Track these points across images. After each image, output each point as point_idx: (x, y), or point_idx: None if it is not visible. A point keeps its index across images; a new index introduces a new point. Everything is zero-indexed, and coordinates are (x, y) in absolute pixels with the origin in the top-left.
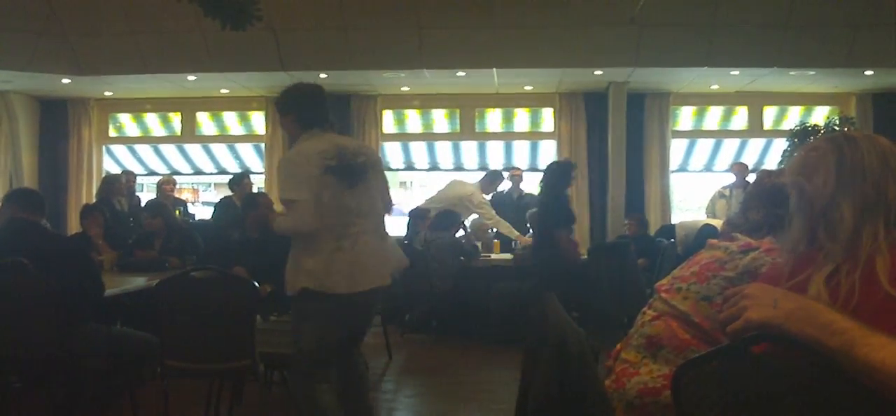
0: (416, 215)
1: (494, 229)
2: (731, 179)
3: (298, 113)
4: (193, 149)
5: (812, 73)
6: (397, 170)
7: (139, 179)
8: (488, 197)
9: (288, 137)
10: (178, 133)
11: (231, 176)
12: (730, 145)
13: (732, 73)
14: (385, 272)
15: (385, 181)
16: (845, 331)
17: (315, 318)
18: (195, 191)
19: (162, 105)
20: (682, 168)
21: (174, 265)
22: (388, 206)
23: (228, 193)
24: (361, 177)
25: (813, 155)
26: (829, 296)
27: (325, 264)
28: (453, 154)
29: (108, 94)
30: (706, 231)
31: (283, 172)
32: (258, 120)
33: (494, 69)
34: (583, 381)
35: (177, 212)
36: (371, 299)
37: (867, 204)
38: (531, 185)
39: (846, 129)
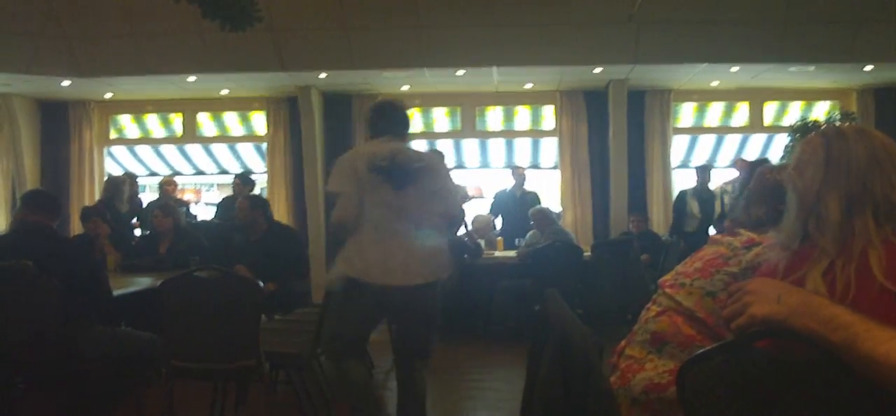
0: None
1: (496, 228)
2: (733, 174)
3: (371, 122)
4: (194, 150)
5: (812, 68)
6: None
7: (140, 181)
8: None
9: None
10: (179, 134)
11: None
12: (731, 141)
13: (733, 69)
14: (420, 272)
15: (446, 187)
16: (849, 325)
17: (346, 302)
18: (197, 191)
19: (163, 106)
20: (684, 164)
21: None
22: (449, 209)
23: (230, 193)
24: (411, 180)
25: (807, 149)
26: (827, 291)
27: (363, 255)
28: (454, 153)
29: (108, 96)
30: (676, 202)
31: (333, 168)
32: (259, 120)
33: (494, 67)
34: (587, 378)
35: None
36: (406, 297)
37: (852, 197)
38: (533, 183)
39: (846, 124)
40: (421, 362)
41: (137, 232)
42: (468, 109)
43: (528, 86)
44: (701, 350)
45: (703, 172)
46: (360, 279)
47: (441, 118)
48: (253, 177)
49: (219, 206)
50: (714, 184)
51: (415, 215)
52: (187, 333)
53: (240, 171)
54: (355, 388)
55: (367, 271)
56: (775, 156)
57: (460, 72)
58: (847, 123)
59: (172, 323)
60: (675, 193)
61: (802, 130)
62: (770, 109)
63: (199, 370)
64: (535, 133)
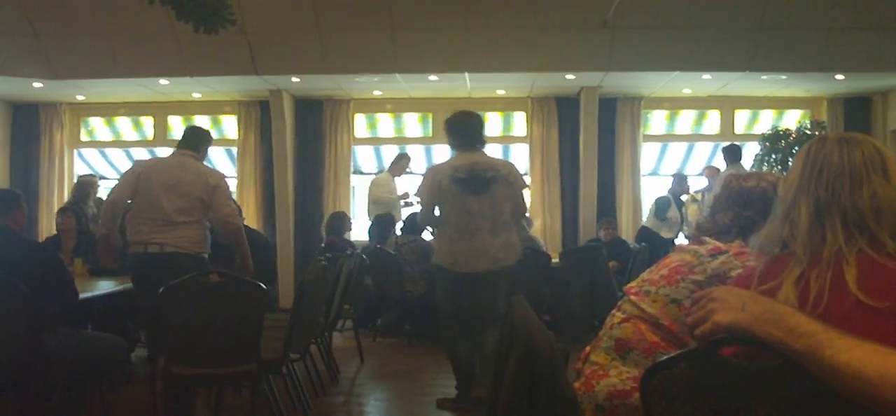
0: (379, 222)
1: None
2: (702, 183)
3: (453, 136)
4: (165, 153)
5: (784, 77)
6: (369, 174)
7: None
8: (400, 178)
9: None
10: (150, 138)
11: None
12: (702, 149)
13: (704, 77)
14: (494, 262)
15: (517, 191)
16: (811, 334)
17: (441, 287)
18: None
19: (134, 109)
20: (654, 172)
21: None
22: (516, 210)
23: None
24: (486, 187)
25: (797, 156)
26: (798, 298)
27: (448, 249)
28: (426, 158)
29: (79, 98)
30: (661, 201)
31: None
32: (230, 124)
33: (467, 73)
34: (552, 383)
35: None
36: (483, 279)
37: (820, 204)
38: None
39: (817, 133)
40: (491, 328)
41: None
42: (440, 114)
43: (501, 92)
44: (665, 357)
45: (680, 180)
46: (447, 268)
47: (412, 123)
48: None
49: None
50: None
51: (487, 216)
52: (189, 339)
53: None
54: (459, 362)
55: (453, 263)
56: (746, 164)
57: (433, 77)
58: (840, 132)
59: (174, 329)
60: (646, 200)
61: (773, 139)
62: (741, 118)
63: (201, 376)
64: (507, 139)
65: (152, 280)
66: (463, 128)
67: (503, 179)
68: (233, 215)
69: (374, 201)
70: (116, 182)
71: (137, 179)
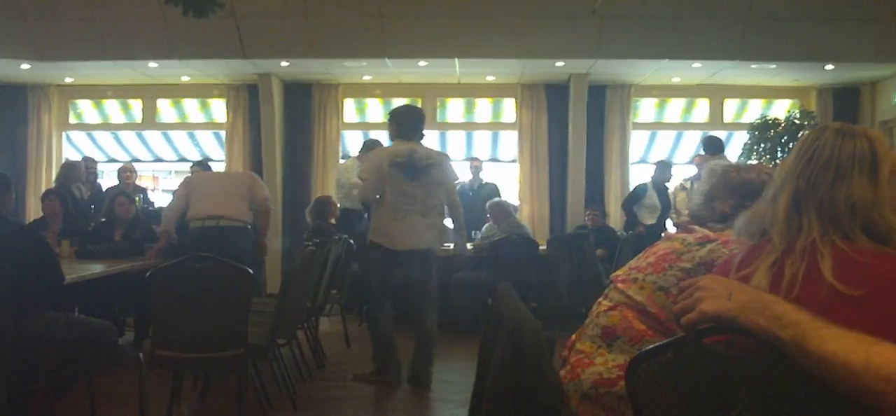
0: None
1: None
2: (691, 171)
3: (395, 125)
4: (153, 136)
5: (773, 66)
6: None
7: (99, 167)
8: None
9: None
10: (139, 120)
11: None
12: (691, 138)
13: (694, 65)
14: (422, 240)
15: (449, 182)
16: (797, 323)
17: (375, 263)
18: (155, 178)
19: (122, 92)
20: (643, 160)
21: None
22: (452, 203)
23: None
24: (422, 174)
25: (797, 142)
26: (770, 284)
27: (384, 227)
28: None
29: (68, 80)
30: (638, 188)
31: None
32: (219, 107)
33: (456, 59)
34: (537, 372)
35: (137, 200)
36: (411, 258)
37: (800, 193)
38: (491, 175)
39: (807, 123)
40: (430, 310)
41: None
42: (429, 100)
43: (490, 78)
44: (650, 346)
45: (664, 167)
46: (382, 245)
47: None
48: (211, 164)
49: (174, 193)
50: (673, 181)
51: (421, 200)
52: (175, 322)
53: (198, 158)
54: (382, 338)
55: (388, 240)
56: (734, 154)
57: (422, 63)
58: (843, 124)
59: (160, 313)
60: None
61: (762, 128)
62: (730, 107)
63: (187, 361)
64: (496, 126)
65: (210, 249)
66: (406, 119)
67: (438, 167)
68: (268, 200)
69: (340, 187)
70: (173, 194)
71: (190, 185)
